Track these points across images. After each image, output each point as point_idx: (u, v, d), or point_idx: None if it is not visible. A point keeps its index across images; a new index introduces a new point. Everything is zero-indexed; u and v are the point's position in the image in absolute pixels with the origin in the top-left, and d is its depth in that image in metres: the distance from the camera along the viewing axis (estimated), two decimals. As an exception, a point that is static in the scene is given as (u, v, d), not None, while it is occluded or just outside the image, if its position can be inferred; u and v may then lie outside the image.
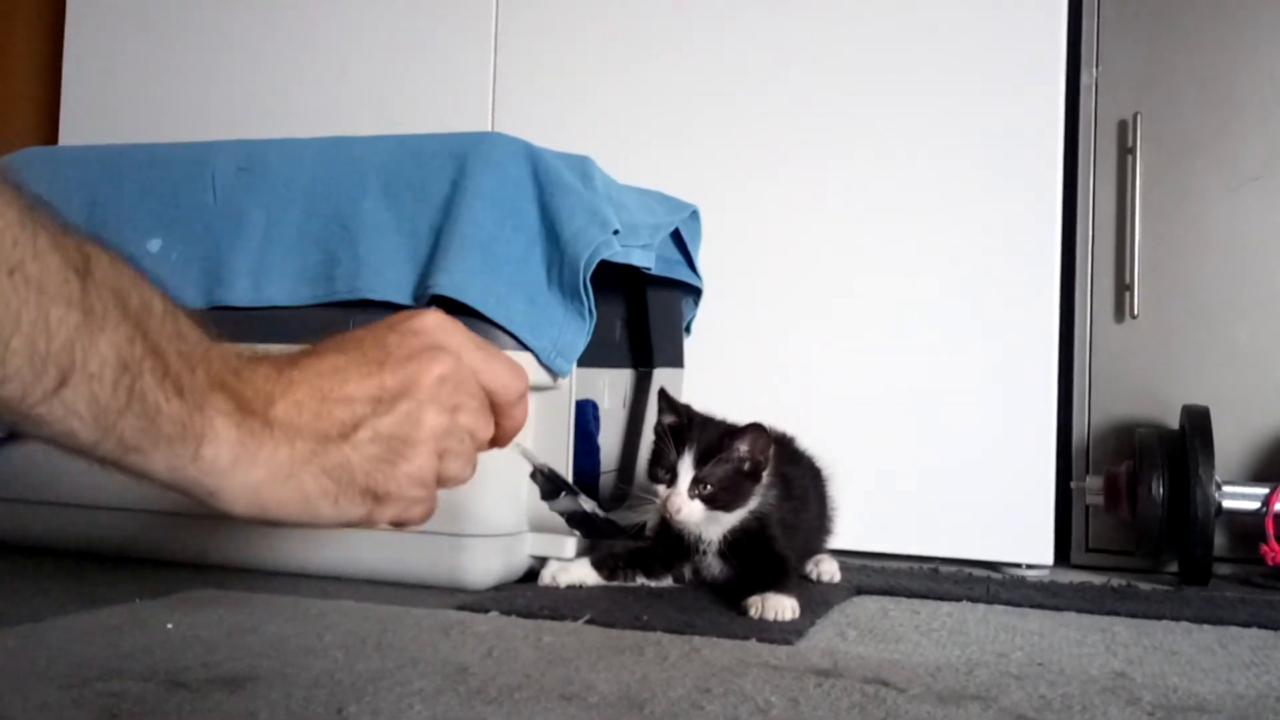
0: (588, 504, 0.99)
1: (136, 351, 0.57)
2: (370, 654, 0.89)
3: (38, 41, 2.08)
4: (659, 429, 1.18)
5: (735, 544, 1.17)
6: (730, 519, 1.16)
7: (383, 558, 1.20)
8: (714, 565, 1.20)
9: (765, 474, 1.17)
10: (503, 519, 1.19)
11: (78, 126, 1.95)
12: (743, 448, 1.14)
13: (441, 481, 0.71)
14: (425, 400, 0.67)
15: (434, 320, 0.70)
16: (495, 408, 0.74)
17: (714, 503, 1.14)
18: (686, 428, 1.16)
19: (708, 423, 1.18)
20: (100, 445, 0.58)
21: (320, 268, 1.21)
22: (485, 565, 1.18)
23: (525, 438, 1.20)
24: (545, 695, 0.78)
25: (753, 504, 1.16)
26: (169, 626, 0.96)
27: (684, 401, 1.23)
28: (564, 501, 0.99)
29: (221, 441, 0.61)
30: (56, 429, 0.57)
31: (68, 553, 1.31)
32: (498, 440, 0.77)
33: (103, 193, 1.31)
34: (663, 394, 1.22)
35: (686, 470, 1.13)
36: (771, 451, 1.17)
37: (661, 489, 1.14)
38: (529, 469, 0.93)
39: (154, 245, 1.27)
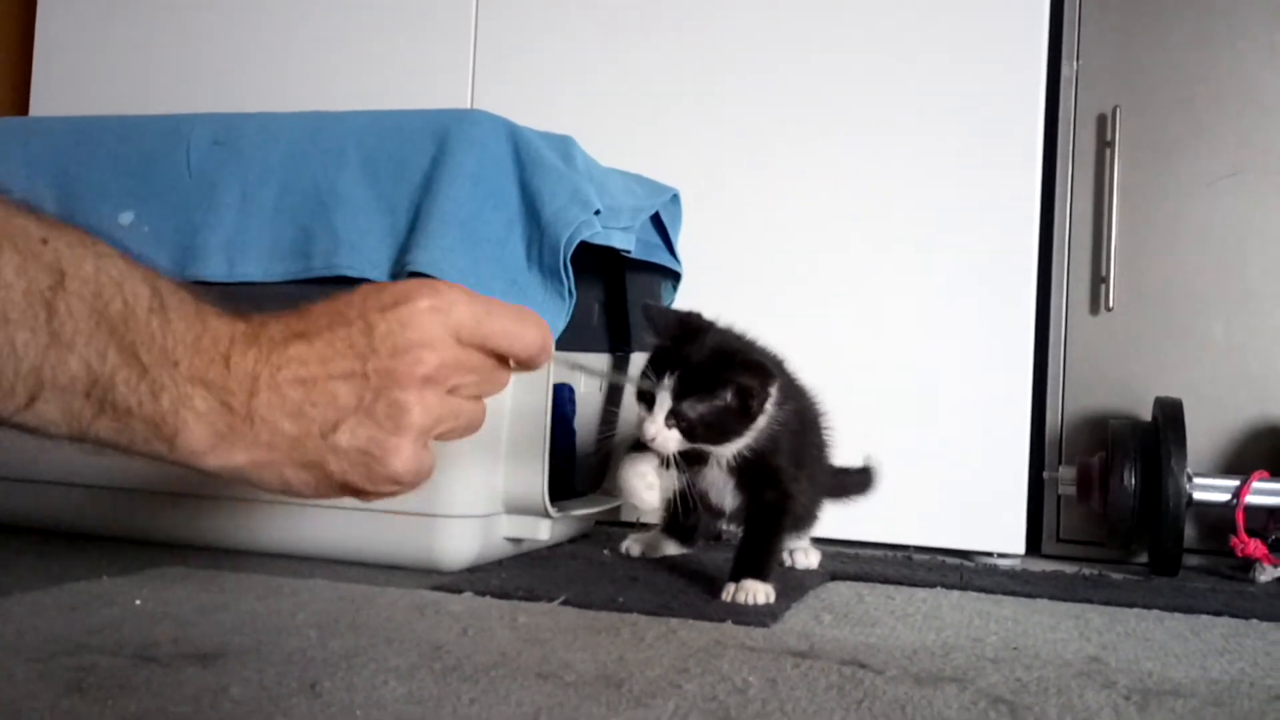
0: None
1: (109, 362, 0.59)
2: (344, 632, 0.88)
3: (9, 8, 2.04)
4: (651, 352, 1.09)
5: (742, 470, 1.10)
6: (728, 448, 1.08)
7: (356, 538, 1.19)
8: (723, 490, 1.13)
9: (769, 407, 1.07)
10: (478, 500, 1.18)
11: (49, 97, 1.91)
12: (729, 392, 1.04)
13: (439, 439, 0.70)
14: (409, 401, 0.66)
15: (426, 306, 0.68)
16: (514, 363, 0.72)
17: (692, 436, 1.04)
18: (673, 349, 1.05)
19: (704, 346, 1.05)
20: (79, 443, 0.60)
21: (296, 243, 1.20)
22: (460, 546, 1.17)
23: (504, 406, 1.20)
24: (521, 674, 0.77)
25: (748, 439, 1.07)
26: (137, 603, 0.95)
27: (688, 310, 1.11)
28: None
29: (195, 437, 0.63)
30: (35, 432, 0.59)
31: (32, 529, 1.29)
32: (526, 368, 0.75)
33: (74, 165, 1.28)
34: (646, 309, 1.11)
35: (664, 399, 1.03)
36: (771, 394, 1.07)
37: (642, 410, 1.06)
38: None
39: (126, 218, 1.25)
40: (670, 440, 1.04)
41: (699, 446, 1.06)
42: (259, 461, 0.65)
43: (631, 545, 1.33)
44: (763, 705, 0.72)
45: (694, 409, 1.03)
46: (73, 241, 0.58)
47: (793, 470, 1.12)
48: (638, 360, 1.54)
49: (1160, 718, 0.73)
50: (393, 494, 0.69)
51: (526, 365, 0.73)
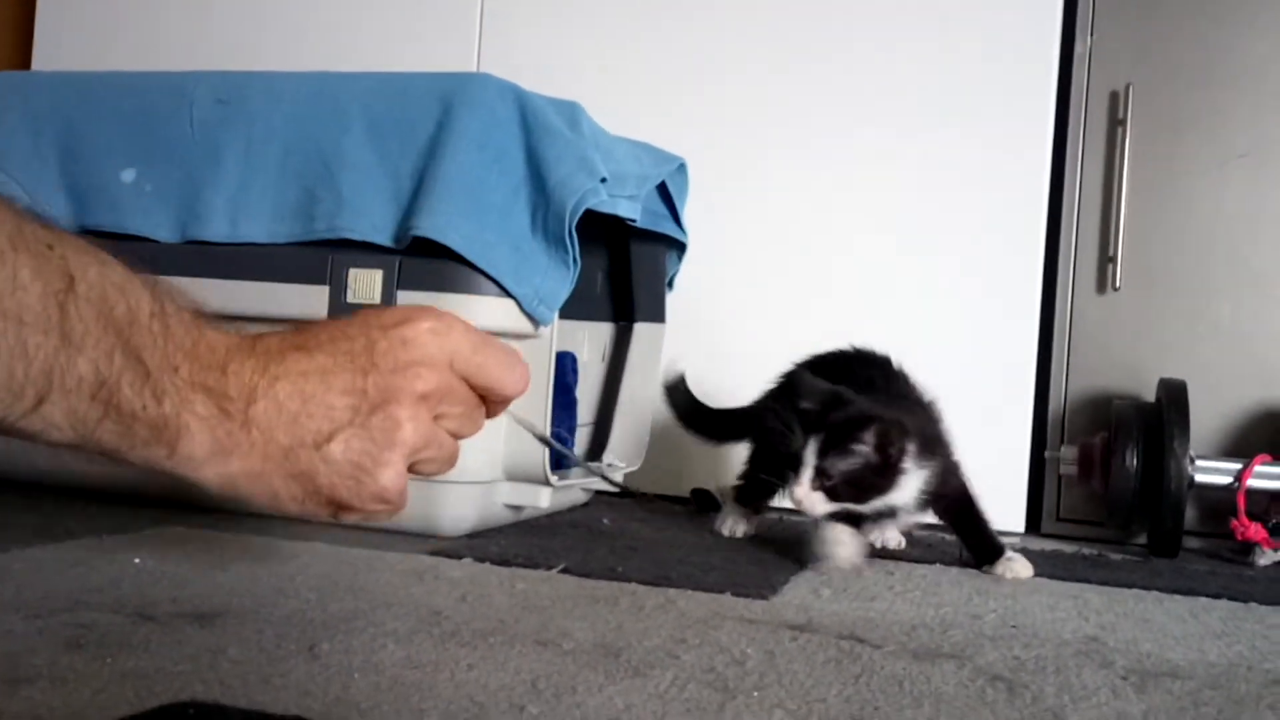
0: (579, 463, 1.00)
1: (115, 364, 0.60)
2: (343, 595, 0.88)
3: (12, -37, 2.02)
4: (788, 411, 1.13)
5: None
6: (881, 502, 1.13)
7: (355, 502, 1.18)
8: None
9: (909, 460, 1.11)
10: (478, 466, 1.18)
11: (52, 52, 1.90)
12: (864, 445, 1.09)
13: (415, 472, 0.72)
14: (404, 417, 0.68)
15: (427, 327, 0.70)
16: (490, 403, 0.75)
17: (837, 496, 1.10)
18: (820, 413, 1.11)
19: (845, 405, 1.11)
20: (80, 448, 0.61)
21: (299, 205, 1.19)
22: (459, 512, 1.17)
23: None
24: (520, 640, 0.77)
25: (901, 494, 1.12)
26: (136, 561, 0.95)
27: (820, 383, 1.15)
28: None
29: (195, 442, 0.64)
30: (36, 438, 0.59)
31: (32, 487, 1.28)
32: (489, 415, 0.77)
33: (77, 121, 1.27)
34: (799, 380, 1.17)
35: (809, 461, 1.09)
36: (909, 446, 1.11)
37: (790, 473, 1.11)
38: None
39: (128, 175, 1.24)
40: (816, 503, 1.10)
41: (847, 507, 1.11)
42: (252, 471, 0.66)
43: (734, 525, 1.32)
44: (760, 678, 0.72)
45: (834, 465, 1.09)
46: (78, 248, 0.60)
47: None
48: (640, 332, 1.53)
49: (1158, 699, 0.73)
50: (375, 513, 0.70)
51: (499, 406, 0.76)
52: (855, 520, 1.14)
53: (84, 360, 0.58)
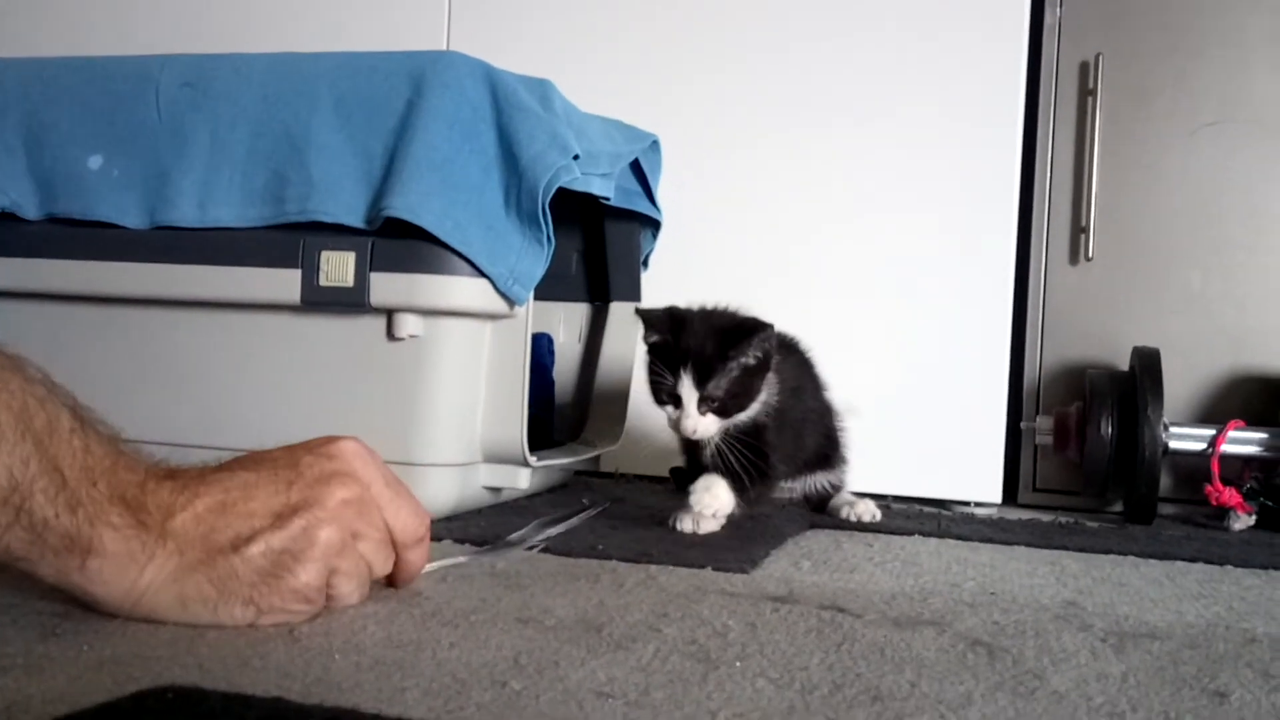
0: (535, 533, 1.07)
1: (30, 471, 0.61)
2: (321, 578, 0.87)
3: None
4: (650, 352, 1.13)
5: (739, 437, 1.13)
6: (746, 414, 1.12)
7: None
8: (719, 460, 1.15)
9: (771, 365, 1.13)
10: (457, 449, 1.18)
11: (11, 38, 1.87)
12: (745, 356, 1.09)
13: (329, 599, 0.74)
14: (325, 518, 0.70)
15: (351, 448, 0.75)
16: (395, 546, 0.77)
17: (726, 412, 1.10)
18: (674, 344, 1.10)
19: (698, 329, 1.10)
20: None
21: (270, 188, 1.18)
22: (439, 495, 1.16)
23: (482, 355, 1.19)
24: (501, 618, 0.77)
25: (764, 395, 1.13)
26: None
27: (662, 306, 1.15)
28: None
29: (108, 554, 0.65)
30: None
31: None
32: (395, 579, 0.80)
33: (40, 107, 1.25)
34: (639, 312, 1.16)
35: (690, 391, 1.09)
36: (774, 342, 1.12)
37: (670, 411, 1.11)
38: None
39: (94, 162, 1.22)
40: (710, 426, 1.10)
41: (730, 421, 1.11)
42: (161, 581, 0.67)
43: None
44: (743, 648, 0.72)
45: (719, 387, 1.08)
46: (2, 363, 0.62)
47: (778, 440, 1.15)
48: (616, 311, 1.53)
49: (1137, 659, 0.73)
50: (295, 614, 0.71)
51: (405, 568, 0.80)
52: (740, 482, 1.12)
53: None
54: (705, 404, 1.09)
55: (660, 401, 1.13)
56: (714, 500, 1.11)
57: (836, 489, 1.32)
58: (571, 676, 0.64)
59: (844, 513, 1.29)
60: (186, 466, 0.71)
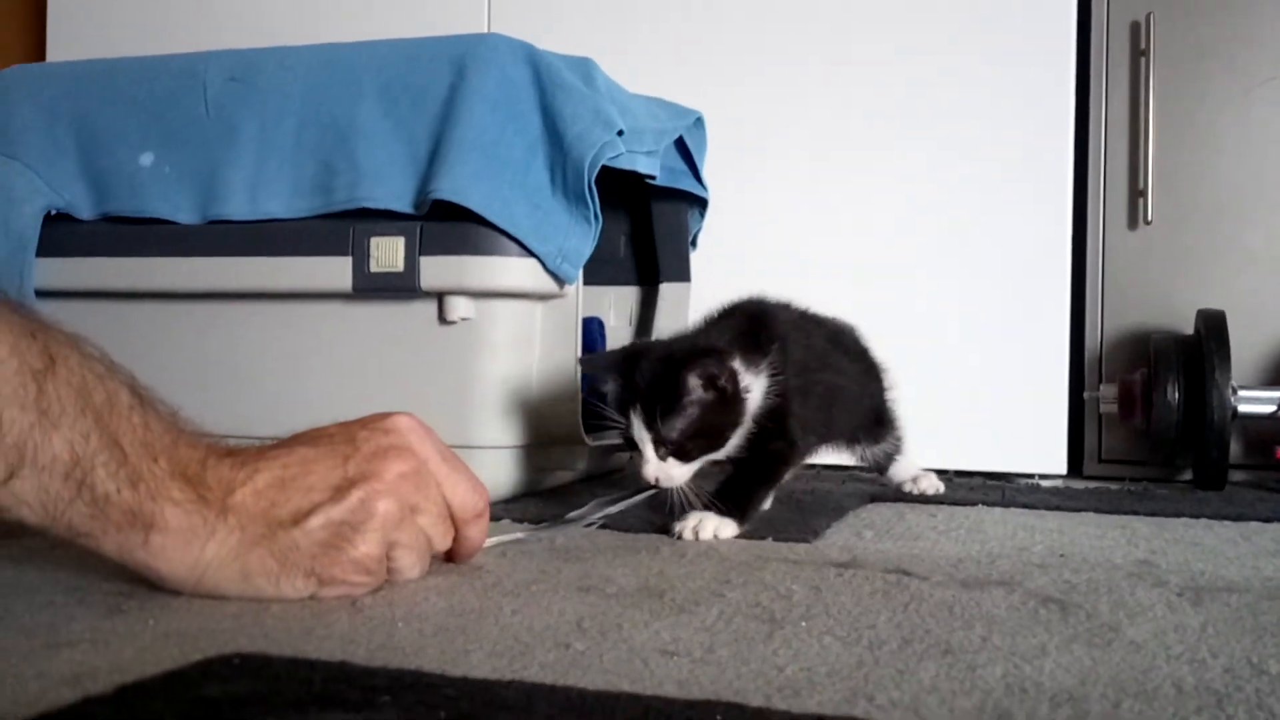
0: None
1: (91, 445, 0.62)
2: (382, 556, 0.87)
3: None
4: (610, 398, 1.00)
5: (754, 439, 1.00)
6: (728, 448, 0.99)
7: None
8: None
9: (757, 383, 0.98)
10: (512, 431, 1.17)
11: (66, 42, 1.90)
12: (692, 390, 0.94)
13: (390, 571, 0.73)
14: (382, 490, 0.70)
15: (405, 422, 0.75)
16: (454, 521, 0.77)
17: (688, 455, 0.95)
18: (626, 385, 0.96)
19: (650, 363, 0.96)
20: (50, 530, 0.63)
21: (318, 178, 1.18)
22: (494, 477, 1.16)
23: (534, 338, 1.19)
24: (563, 588, 0.76)
25: (745, 425, 0.98)
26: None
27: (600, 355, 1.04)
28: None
29: (171, 529, 0.65)
30: (5, 514, 0.61)
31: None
32: (455, 555, 0.80)
33: (92, 108, 1.27)
34: (583, 362, 1.06)
35: (643, 435, 0.94)
36: (735, 375, 0.96)
37: (635, 458, 0.98)
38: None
39: (146, 159, 1.24)
40: (675, 474, 0.96)
41: (705, 459, 0.98)
42: (224, 556, 0.67)
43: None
44: (807, 609, 0.70)
45: (672, 427, 0.94)
46: (59, 339, 0.62)
47: (803, 416, 1.03)
48: (666, 293, 1.52)
49: (1215, 611, 0.71)
50: (356, 585, 0.71)
51: (461, 529, 0.78)
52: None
53: (59, 438, 0.60)
54: (663, 447, 0.95)
55: (628, 446, 1.00)
56: (706, 534, 0.96)
57: (891, 457, 1.27)
58: (635, 637, 0.63)
59: (906, 486, 1.27)
60: (244, 447, 0.72)
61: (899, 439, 1.26)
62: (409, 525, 0.73)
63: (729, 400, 0.95)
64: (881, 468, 1.27)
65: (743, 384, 0.97)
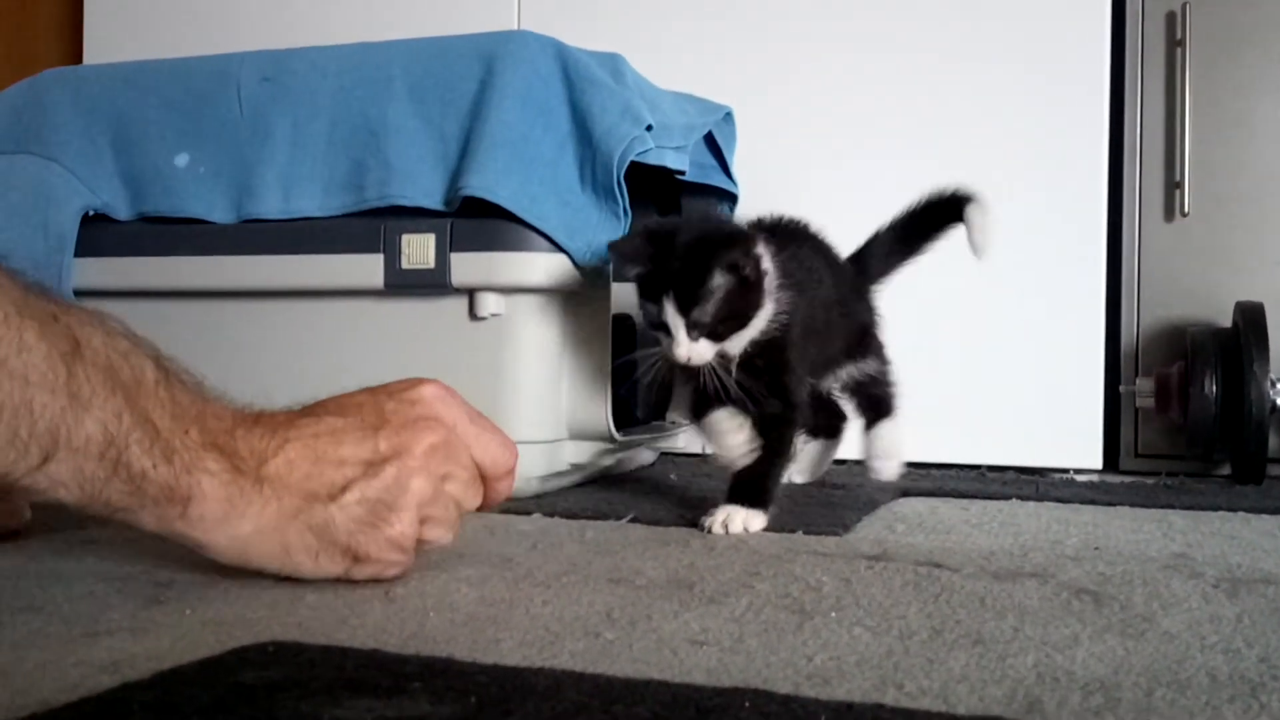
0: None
1: (124, 424, 0.62)
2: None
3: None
4: (636, 285, 1.02)
5: (749, 363, 1.02)
6: (749, 331, 1.00)
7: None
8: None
9: (771, 274, 1.00)
10: (542, 426, 1.18)
11: (102, 45, 1.93)
12: (720, 276, 0.96)
13: (420, 542, 0.74)
14: (415, 467, 0.71)
15: (431, 391, 0.75)
16: (484, 478, 0.77)
17: (718, 335, 0.98)
18: (656, 270, 0.98)
19: (679, 247, 0.98)
20: (88, 509, 0.63)
21: (350, 176, 1.19)
22: (525, 471, 1.16)
23: (562, 348, 1.19)
24: (593, 580, 0.77)
25: (769, 307, 1.00)
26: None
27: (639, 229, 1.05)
28: None
29: (209, 500, 0.65)
30: (44, 496, 0.61)
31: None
32: (483, 506, 0.80)
33: (127, 110, 1.29)
34: (611, 246, 1.06)
35: (676, 319, 0.97)
36: (763, 257, 1.00)
37: (662, 337, 1.00)
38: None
39: (181, 160, 1.25)
40: (704, 352, 0.98)
41: (729, 344, 0.99)
42: (265, 529, 0.68)
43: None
44: (837, 600, 0.70)
45: (705, 311, 0.96)
46: (82, 319, 0.62)
47: (800, 370, 1.04)
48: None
49: (1251, 603, 0.70)
50: (390, 564, 0.72)
51: (493, 495, 0.78)
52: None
53: (91, 419, 0.60)
54: (695, 330, 0.97)
55: (652, 328, 1.02)
56: (735, 528, 0.98)
57: (877, 380, 1.23)
58: (664, 627, 0.63)
59: (874, 464, 1.23)
60: (271, 411, 0.72)
61: (883, 357, 1.24)
62: (440, 499, 0.73)
63: (755, 282, 0.99)
64: (871, 398, 1.23)
65: (764, 268, 1.00)
